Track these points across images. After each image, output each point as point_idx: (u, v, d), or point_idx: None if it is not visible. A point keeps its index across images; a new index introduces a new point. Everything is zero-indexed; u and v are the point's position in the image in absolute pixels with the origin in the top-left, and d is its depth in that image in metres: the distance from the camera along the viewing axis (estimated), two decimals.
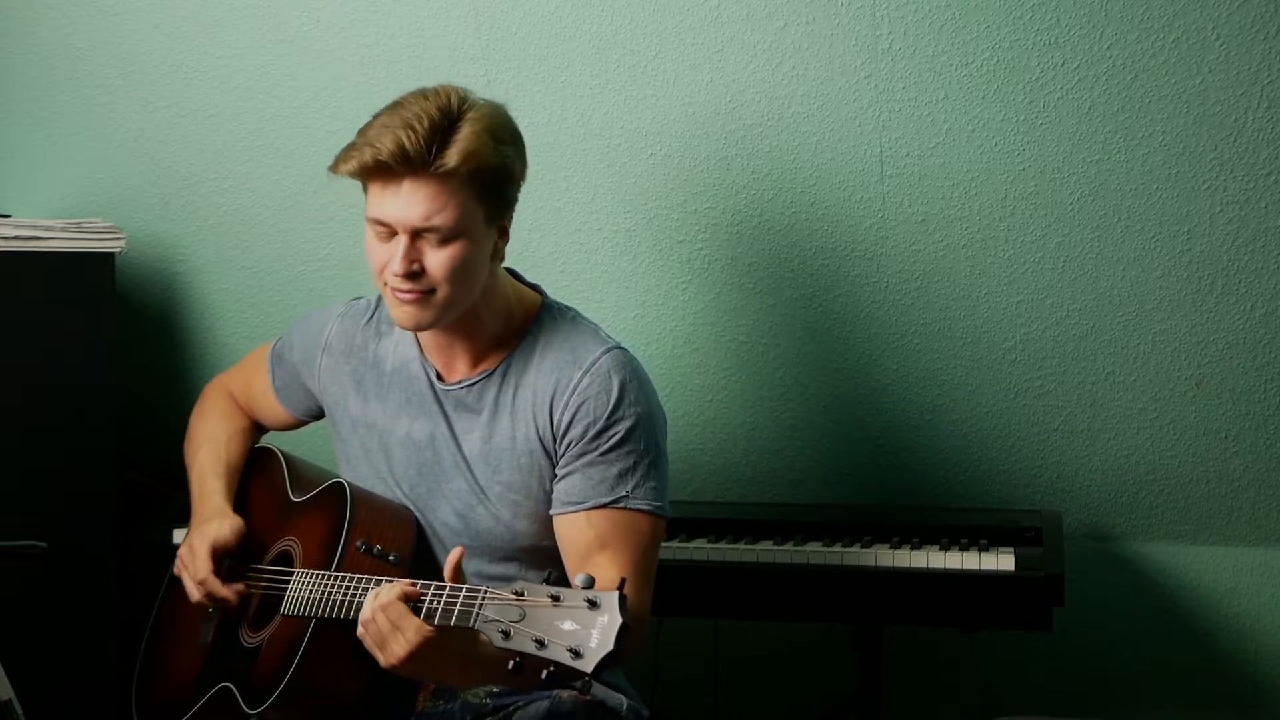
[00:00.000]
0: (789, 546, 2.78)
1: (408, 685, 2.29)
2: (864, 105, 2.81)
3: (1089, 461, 2.99)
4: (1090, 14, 2.69)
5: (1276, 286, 2.80)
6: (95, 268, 2.95)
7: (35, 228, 2.90)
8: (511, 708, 2.29)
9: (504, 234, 2.26)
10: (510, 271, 2.37)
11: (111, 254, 2.97)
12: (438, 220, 2.15)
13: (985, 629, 2.76)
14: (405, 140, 2.11)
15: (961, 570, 2.68)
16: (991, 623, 2.72)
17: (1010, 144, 2.79)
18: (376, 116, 2.18)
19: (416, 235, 2.16)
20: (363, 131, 2.18)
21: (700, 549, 2.79)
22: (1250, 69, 2.67)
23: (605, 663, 1.79)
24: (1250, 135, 2.71)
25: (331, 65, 3.01)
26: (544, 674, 1.82)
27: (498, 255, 2.26)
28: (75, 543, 2.85)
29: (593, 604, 1.81)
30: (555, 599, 1.83)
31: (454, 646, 2.00)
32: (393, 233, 2.17)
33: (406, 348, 2.38)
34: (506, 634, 1.85)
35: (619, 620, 1.79)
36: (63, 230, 2.92)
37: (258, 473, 2.55)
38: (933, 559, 2.70)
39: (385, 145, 2.12)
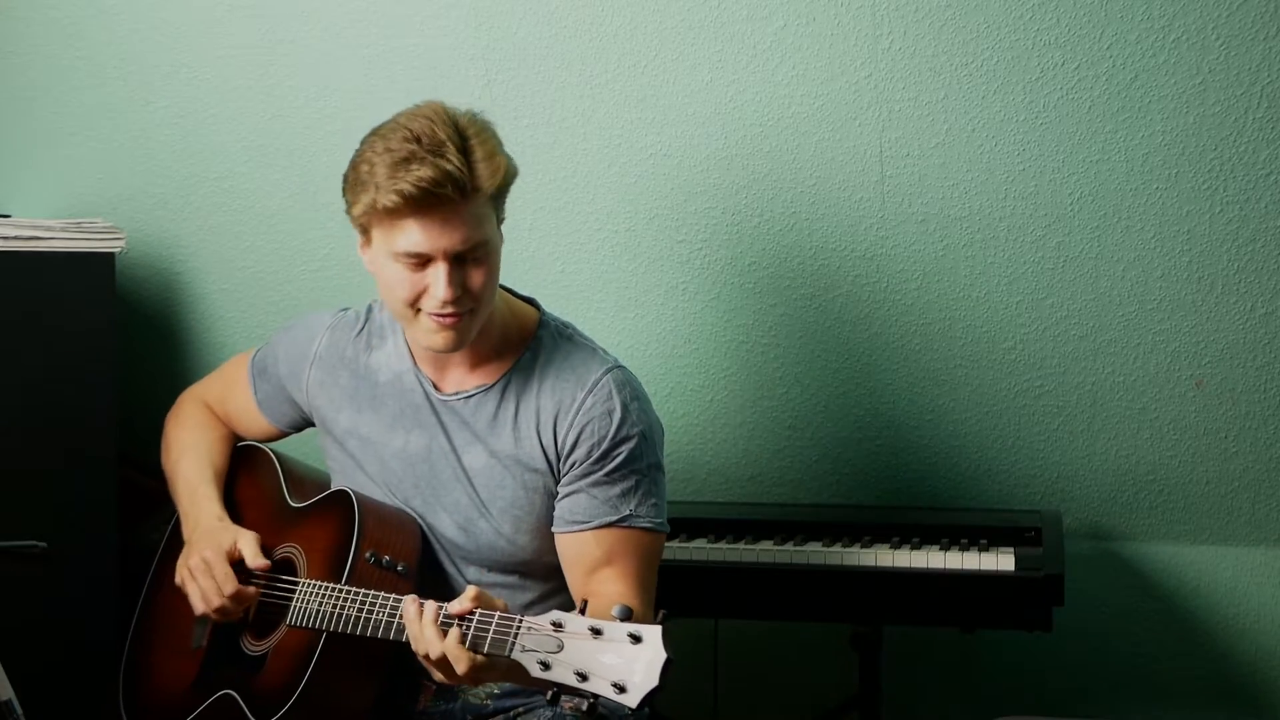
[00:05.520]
0: (789, 546, 2.78)
1: (410, 686, 2.29)
2: (864, 105, 2.81)
3: (1089, 461, 2.99)
4: (1090, 14, 2.69)
5: (1276, 286, 2.80)
6: (95, 268, 2.94)
7: (35, 228, 2.90)
8: (513, 713, 2.30)
9: (501, 235, 2.26)
10: (501, 286, 2.37)
11: (111, 254, 2.96)
12: (477, 239, 2.15)
13: (985, 629, 2.76)
14: (449, 167, 2.09)
15: (961, 570, 2.68)
16: (991, 623, 2.72)
17: (1010, 144, 2.79)
18: (375, 150, 2.13)
19: (458, 259, 2.15)
20: (372, 164, 2.13)
21: (700, 549, 2.79)
22: (1250, 69, 2.67)
23: (649, 698, 1.79)
24: (1250, 135, 2.71)
25: (332, 65, 3.01)
26: (585, 706, 1.82)
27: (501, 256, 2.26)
28: (75, 543, 2.85)
29: (635, 638, 1.81)
30: (596, 632, 1.83)
31: (501, 663, 2.00)
32: (425, 262, 2.16)
33: (400, 359, 2.37)
34: (545, 665, 1.84)
35: (663, 655, 1.80)
36: (63, 230, 2.92)
37: (247, 472, 2.53)
38: (933, 559, 2.70)
39: (427, 175, 2.08)
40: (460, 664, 1.96)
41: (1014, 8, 2.71)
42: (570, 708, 2.24)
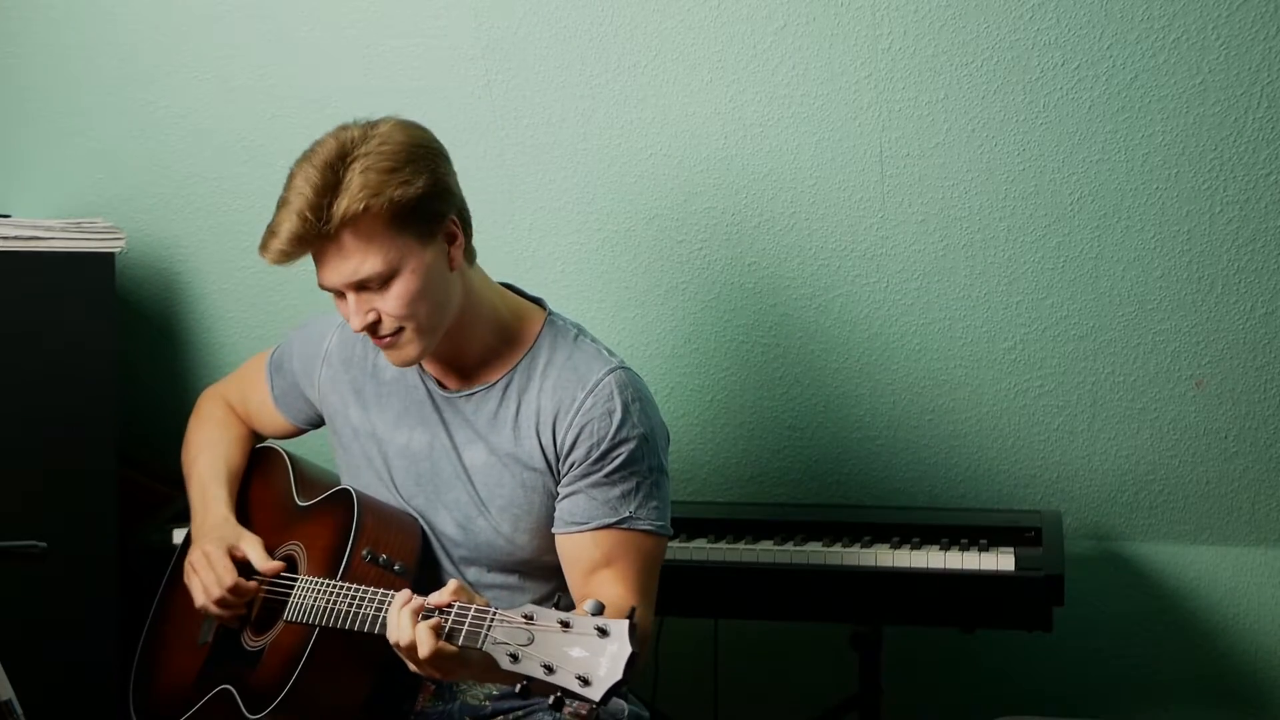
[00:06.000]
0: (789, 546, 2.78)
1: (408, 685, 2.29)
2: (864, 105, 2.81)
3: (1089, 461, 2.99)
4: (1090, 14, 2.69)
5: (1276, 286, 2.80)
6: (95, 268, 2.95)
7: (35, 228, 2.90)
8: (512, 715, 2.30)
9: (453, 238, 2.22)
10: (510, 286, 2.37)
11: (111, 254, 2.97)
12: (366, 270, 2.15)
13: (985, 629, 2.76)
14: (295, 224, 2.12)
15: (961, 570, 2.68)
16: (991, 623, 2.72)
17: (1010, 144, 2.79)
18: (283, 188, 2.19)
19: (359, 288, 2.17)
20: (275, 211, 2.18)
21: (700, 549, 2.79)
22: (1250, 69, 2.67)
23: (613, 691, 1.80)
24: (1250, 135, 2.71)
25: (331, 65, 3.01)
26: (551, 699, 1.83)
27: (456, 262, 2.22)
28: (75, 543, 2.85)
29: (603, 631, 1.81)
30: (565, 625, 1.83)
31: (472, 656, 2.00)
32: (342, 293, 2.19)
33: None
34: (515, 657, 1.85)
35: (629, 649, 1.80)
36: (63, 230, 2.92)
37: (260, 472, 2.55)
38: (933, 559, 2.70)
39: (283, 233, 2.13)
40: (425, 650, 1.96)
41: (1014, 8, 2.71)
42: (569, 713, 2.24)
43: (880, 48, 2.77)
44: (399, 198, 2.14)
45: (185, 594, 2.40)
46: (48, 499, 2.88)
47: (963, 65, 2.76)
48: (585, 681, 1.80)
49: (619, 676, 1.79)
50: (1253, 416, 2.90)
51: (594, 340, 2.33)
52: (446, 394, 2.33)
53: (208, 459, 2.52)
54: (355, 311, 2.18)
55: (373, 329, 2.20)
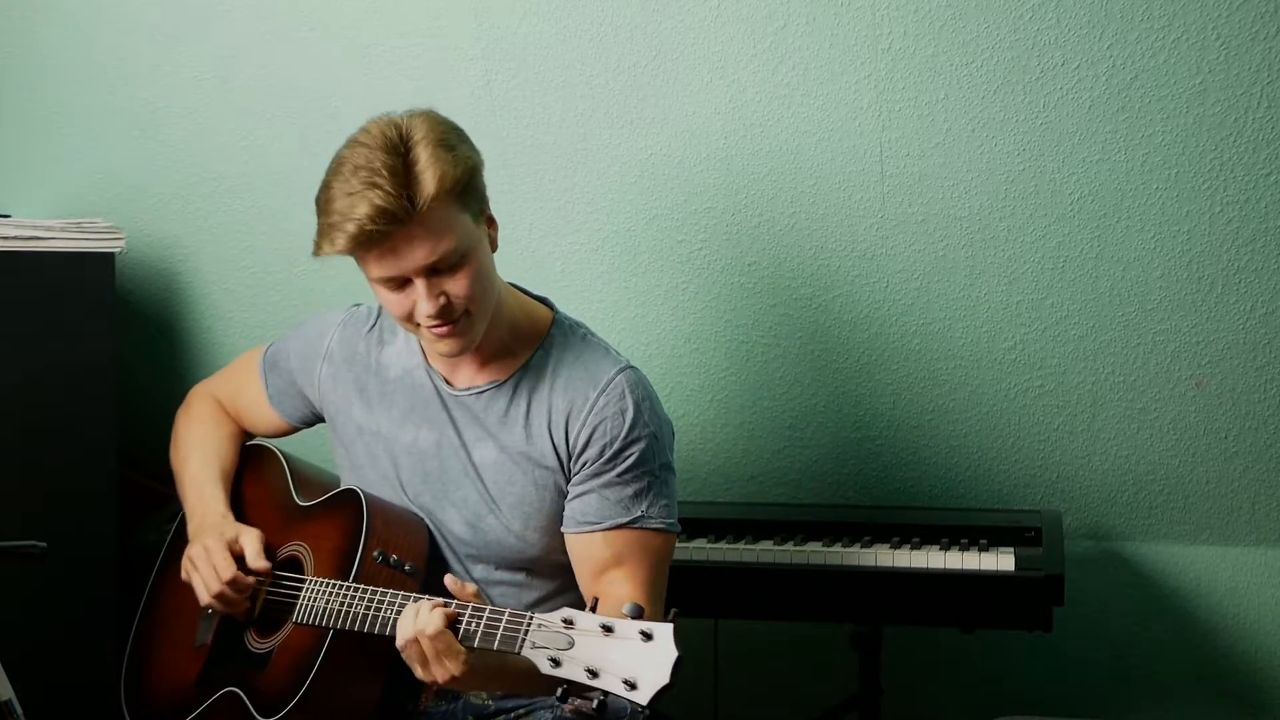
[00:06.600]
0: (789, 546, 2.78)
1: (411, 685, 2.29)
2: (864, 105, 2.81)
3: (1089, 461, 2.99)
4: (1090, 14, 2.69)
5: (1276, 286, 2.80)
6: (95, 268, 2.95)
7: (35, 228, 2.90)
8: (515, 713, 2.30)
9: (491, 222, 2.25)
10: (515, 286, 2.37)
11: (111, 254, 2.96)
12: (443, 250, 2.14)
13: (985, 629, 2.76)
14: (380, 200, 2.08)
15: (961, 570, 2.68)
16: (991, 623, 2.72)
17: (1010, 144, 2.79)
18: (330, 185, 2.15)
19: (431, 271, 2.15)
20: (327, 207, 2.14)
21: (700, 549, 2.79)
22: (1250, 69, 2.67)
23: (660, 695, 1.79)
24: (1250, 135, 2.71)
25: (331, 65, 3.01)
26: (594, 703, 1.82)
27: (494, 246, 2.25)
28: (75, 543, 2.85)
29: (646, 635, 1.81)
30: (607, 629, 1.83)
31: (488, 662, 2.00)
32: (404, 281, 2.16)
33: (410, 355, 2.38)
34: (556, 662, 1.85)
35: (674, 653, 1.80)
36: (63, 230, 2.92)
37: (253, 471, 2.54)
38: (933, 559, 2.70)
39: (364, 213, 2.09)
40: (434, 628, 1.95)
41: (1014, 8, 2.71)
42: (571, 710, 2.25)
43: (880, 48, 2.77)
44: (466, 173, 2.15)
45: (175, 593, 2.40)
46: (48, 499, 2.87)
47: (963, 65, 2.76)
48: (632, 685, 1.80)
49: (666, 680, 1.79)
50: (1253, 416, 2.90)
51: (600, 339, 2.35)
52: (454, 392, 2.33)
53: (200, 458, 2.52)
54: (426, 296, 2.15)
55: (443, 314, 2.17)
